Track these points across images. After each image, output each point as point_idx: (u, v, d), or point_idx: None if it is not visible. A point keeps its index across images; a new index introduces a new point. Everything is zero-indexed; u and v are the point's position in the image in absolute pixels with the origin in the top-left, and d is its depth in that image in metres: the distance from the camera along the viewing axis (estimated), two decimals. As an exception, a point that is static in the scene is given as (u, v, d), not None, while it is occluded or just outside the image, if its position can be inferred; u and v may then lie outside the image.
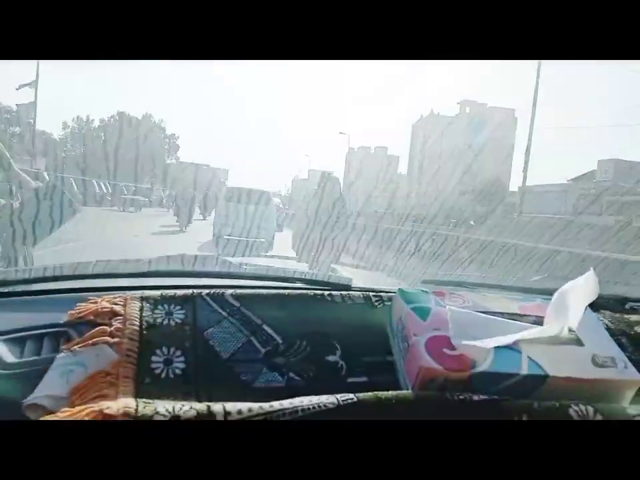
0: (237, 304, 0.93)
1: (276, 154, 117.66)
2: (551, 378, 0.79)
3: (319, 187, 5.61)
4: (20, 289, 0.95)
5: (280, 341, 0.91)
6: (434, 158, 58.37)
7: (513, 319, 0.90)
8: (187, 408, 0.66)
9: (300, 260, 5.63)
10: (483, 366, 0.79)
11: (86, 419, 0.63)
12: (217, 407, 0.66)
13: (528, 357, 0.81)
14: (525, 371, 0.79)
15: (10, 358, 0.78)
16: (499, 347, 0.81)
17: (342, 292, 1.01)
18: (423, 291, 0.94)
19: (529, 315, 0.93)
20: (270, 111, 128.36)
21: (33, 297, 0.94)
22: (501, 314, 0.91)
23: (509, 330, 0.86)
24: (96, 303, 0.87)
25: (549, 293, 0.96)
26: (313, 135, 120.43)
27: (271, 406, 0.67)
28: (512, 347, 0.82)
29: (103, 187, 23.65)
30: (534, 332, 0.85)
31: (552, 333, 0.84)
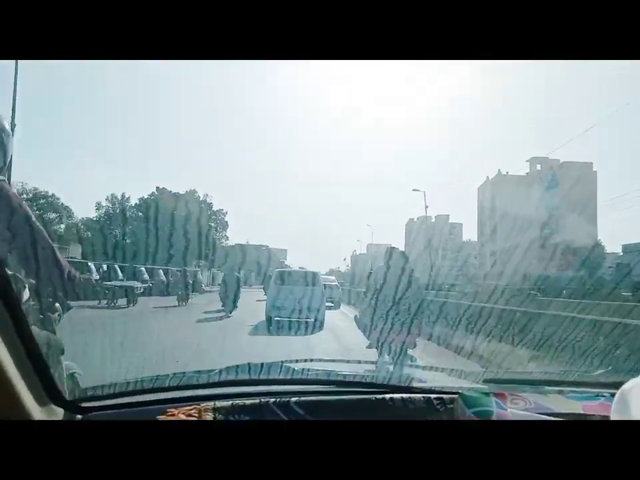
0: (301, 411, 1.03)
1: (334, 229, 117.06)
2: None
3: (385, 264, 5.35)
4: (107, 403, 1.10)
5: None
6: (506, 221, 55.04)
7: (577, 419, 0.95)
8: None
9: (370, 347, 5.35)
10: None
11: None
12: None
13: None
14: None
15: None
16: None
17: (403, 395, 1.09)
18: (484, 393, 1.01)
19: (593, 415, 0.97)
20: (325, 185, 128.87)
21: (118, 410, 1.09)
22: (564, 414, 0.96)
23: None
24: (173, 415, 1.01)
25: (614, 386, 1.00)
26: (370, 207, 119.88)
27: None
28: None
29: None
30: None
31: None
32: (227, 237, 48.67)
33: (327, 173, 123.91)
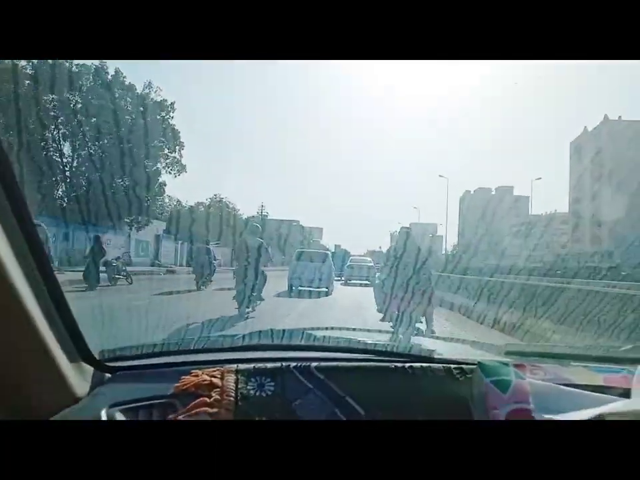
0: (321, 376, 1.09)
1: (378, 208, 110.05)
2: None
3: (396, 244, 5.87)
4: (134, 364, 1.18)
5: (362, 413, 1.05)
6: (618, 180, 43.24)
7: (597, 391, 0.98)
8: None
9: (384, 320, 5.77)
10: None
11: None
12: None
13: None
14: None
15: None
16: None
17: (423, 364, 1.13)
18: (503, 363, 1.05)
19: (615, 387, 1.00)
20: (368, 162, 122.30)
21: (145, 370, 1.17)
22: (584, 386, 0.99)
23: (593, 403, 0.93)
24: (197, 376, 1.07)
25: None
26: (418, 179, 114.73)
27: None
28: None
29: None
30: (619, 405, 0.92)
31: (639, 406, 0.91)
32: (182, 166, 26.03)
33: (368, 151, 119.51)
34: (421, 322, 5.63)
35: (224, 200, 40.16)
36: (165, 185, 26.31)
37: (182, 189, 69.84)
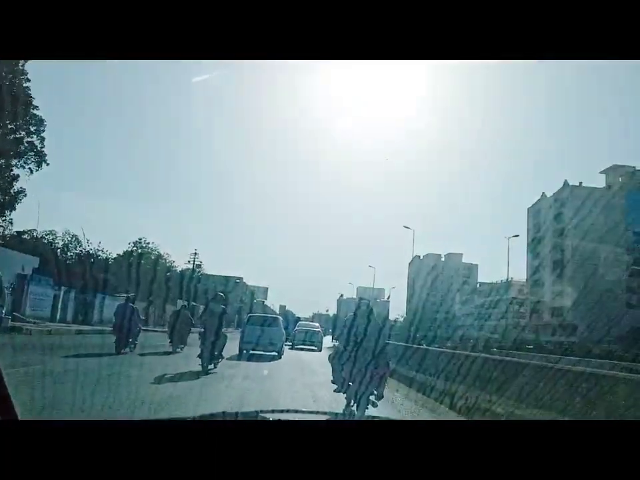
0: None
1: (327, 269, 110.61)
2: None
3: (353, 314, 5.96)
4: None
5: None
6: (579, 250, 43.19)
7: None
8: None
9: (337, 391, 5.68)
10: None
11: None
12: None
13: None
14: None
15: None
16: None
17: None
18: None
19: None
20: (320, 222, 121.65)
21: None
22: None
23: None
24: None
25: None
26: (371, 248, 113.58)
27: None
28: None
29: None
30: None
31: None
32: (41, 155, 17.79)
33: (318, 213, 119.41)
34: (374, 394, 5.61)
35: (150, 246, 36.82)
36: (24, 193, 17.52)
37: (97, 222, 64.09)
